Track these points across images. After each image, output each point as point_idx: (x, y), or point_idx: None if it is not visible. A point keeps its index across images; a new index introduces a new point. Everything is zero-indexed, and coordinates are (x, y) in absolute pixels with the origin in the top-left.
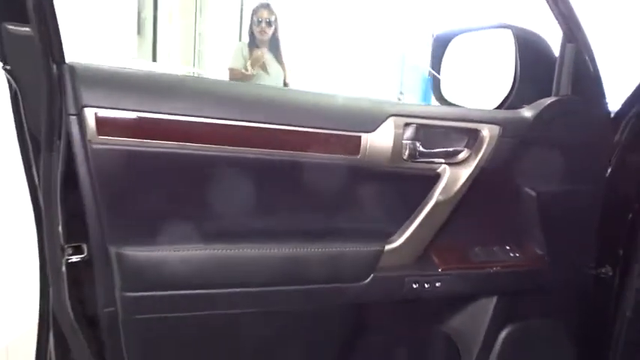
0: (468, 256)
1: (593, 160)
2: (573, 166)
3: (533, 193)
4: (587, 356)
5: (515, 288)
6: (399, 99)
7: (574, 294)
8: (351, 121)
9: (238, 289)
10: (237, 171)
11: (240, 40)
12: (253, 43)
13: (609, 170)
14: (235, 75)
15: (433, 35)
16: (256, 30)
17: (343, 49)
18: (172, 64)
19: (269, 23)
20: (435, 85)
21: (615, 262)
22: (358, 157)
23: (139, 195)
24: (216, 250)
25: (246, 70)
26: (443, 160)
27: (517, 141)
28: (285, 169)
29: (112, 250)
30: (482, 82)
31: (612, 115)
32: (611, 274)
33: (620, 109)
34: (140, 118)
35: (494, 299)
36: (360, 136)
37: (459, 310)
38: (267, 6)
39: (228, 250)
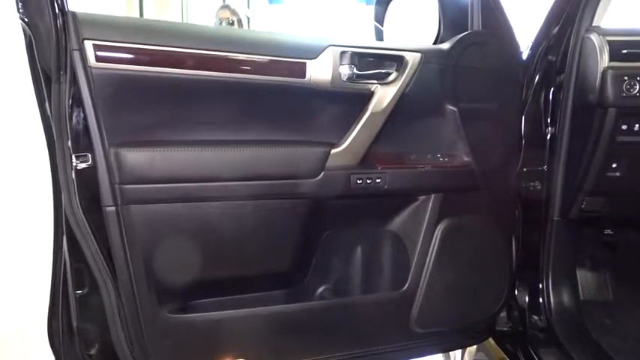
0: (403, 159)
1: (505, 83)
2: (488, 88)
3: (454, 109)
4: (521, 253)
5: (447, 186)
6: None
7: (502, 196)
8: (297, 51)
9: (211, 183)
10: (207, 91)
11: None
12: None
13: (528, 103)
14: None
15: None
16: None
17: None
18: None
19: (231, 24)
20: (378, 35)
21: (542, 177)
22: (304, 79)
23: (131, 109)
24: (192, 151)
25: None
26: (375, 81)
27: (436, 67)
28: (246, 90)
29: (112, 151)
30: (416, 32)
31: (524, 55)
32: (539, 187)
33: (530, 50)
34: (131, 48)
35: (431, 198)
36: (305, 63)
37: (401, 209)
38: (228, 7)
39: (202, 152)
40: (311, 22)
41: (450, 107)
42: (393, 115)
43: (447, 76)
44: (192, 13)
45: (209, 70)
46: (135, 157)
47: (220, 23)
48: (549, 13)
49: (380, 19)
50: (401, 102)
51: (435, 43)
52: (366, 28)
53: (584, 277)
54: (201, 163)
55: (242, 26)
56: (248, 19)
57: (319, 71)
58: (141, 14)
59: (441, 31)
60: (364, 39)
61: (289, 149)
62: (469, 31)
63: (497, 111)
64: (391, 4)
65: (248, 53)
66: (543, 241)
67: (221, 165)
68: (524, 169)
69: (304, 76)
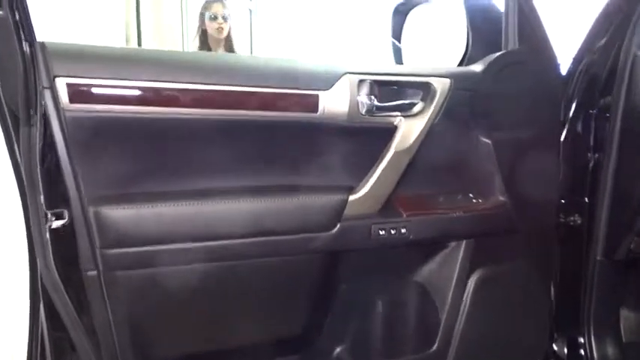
0: (431, 202)
1: (544, 107)
2: (526, 114)
3: (488, 141)
4: (559, 298)
5: (480, 232)
6: None
7: (540, 238)
8: (308, 81)
9: (210, 243)
10: (203, 132)
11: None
12: (205, 45)
13: (567, 125)
14: None
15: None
16: (212, 27)
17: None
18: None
19: (225, 19)
20: (397, 53)
21: (582, 210)
22: (317, 114)
23: (112, 157)
24: (187, 206)
25: None
26: (399, 113)
27: (468, 93)
28: (248, 129)
29: (91, 210)
30: (440, 48)
31: (565, 71)
32: (579, 222)
33: (572, 63)
34: (108, 86)
35: (462, 245)
36: (317, 94)
37: (428, 257)
38: (220, 0)
39: (199, 205)
40: (323, 14)
41: (484, 139)
42: (419, 152)
43: (480, 104)
44: (192, 11)
45: (204, 108)
46: (119, 216)
47: (214, 19)
48: (594, 24)
49: (397, 34)
50: (429, 137)
51: (462, 62)
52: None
53: (626, 317)
54: (197, 220)
55: (232, 22)
56: (250, 12)
57: (334, 104)
58: (137, 14)
59: (470, 48)
60: (385, 63)
61: (300, 198)
62: (505, 51)
63: (536, 139)
64: (409, 17)
65: (250, 86)
66: (584, 284)
67: (220, 221)
68: (562, 201)
69: (316, 110)
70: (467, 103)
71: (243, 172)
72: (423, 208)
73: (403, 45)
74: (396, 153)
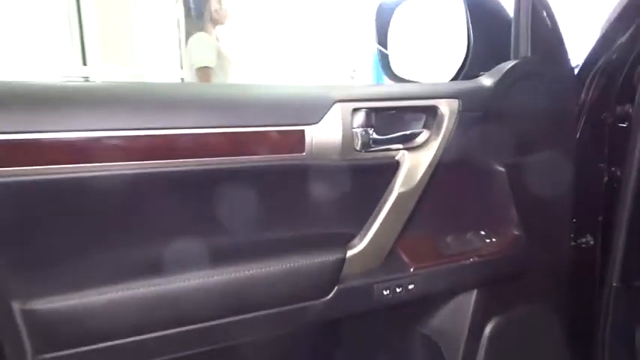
0: (440, 248)
1: (561, 123)
2: (541, 132)
3: (502, 169)
4: (577, 336)
5: (494, 277)
6: (352, 77)
7: (556, 271)
8: (290, 114)
9: (179, 329)
10: (158, 189)
11: (178, 26)
12: (200, 20)
13: (578, 132)
14: (207, 76)
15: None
16: (214, 8)
17: (287, 31)
18: (107, 66)
19: (217, 14)
20: (383, 60)
21: (595, 230)
22: (304, 154)
23: (37, 235)
24: (145, 288)
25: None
26: (401, 146)
27: (479, 114)
28: (218, 179)
29: (17, 307)
30: (435, 52)
31: (575, 73)
32: (592, 243)
33: (583, 66)
34: (24, 141)
35: (474, 292)
36: (303, 130)
37: (437, 309)
38: None
39: (161, 285)
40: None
41: (497, 167)
42: (427, 190)
43: (492, 126)
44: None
45: (158, 158)
46: (54, 310)
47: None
48: (613, 20)
49: (382, 39)
50: (437, 171)
51: (460, 72)
52: None
53: None
54: (158, 305)
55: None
56: None
57: (324, 139)
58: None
59: (469, 57)
60: (378, 85)
61: (288, 262)
62: (517, 60)
63: (552, 162)
64: (395, 16)
65: (219, 127)
66: (598, 313)
67: (190, 301)
68: (573, 220)
69: (303, 149)
70: (477, 127)
71: (215, 234)
72: (432, 256)
73: (390, 51)
74: (401, 195)
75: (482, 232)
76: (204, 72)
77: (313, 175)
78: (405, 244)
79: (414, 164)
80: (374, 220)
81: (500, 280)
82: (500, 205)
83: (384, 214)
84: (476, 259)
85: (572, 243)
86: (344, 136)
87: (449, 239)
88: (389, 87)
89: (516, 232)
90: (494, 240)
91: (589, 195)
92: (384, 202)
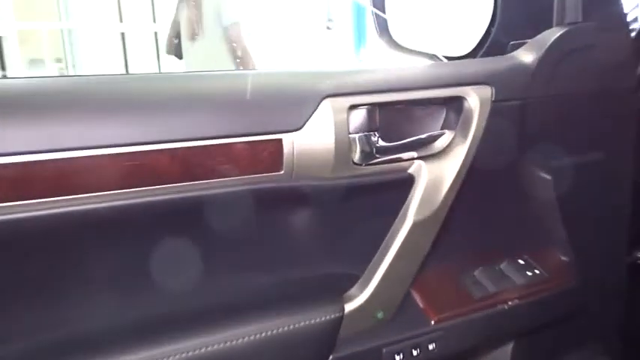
0: (468, 289)
1: (619, 111)
2: (597, 129)
3: (547, 176)
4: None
5: (539, 322)
6: (328, 28)
7: (612, 301)
8: (261, 117)
9: None
10: (76, 233)
11: None
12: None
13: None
14: (240, 34)
15: None
16: None
17: None
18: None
19: None
20: (381, 25)
21: None
22: (281, 172)
23: None
24: None
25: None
26: (415, 154)
27: (518, 103)
28: (160, 216)
29: None
30: (448, 13)
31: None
32: None
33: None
34: None
35: (511, 344)
36: (280, 140)
37: None
38: None
39: None
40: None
41: (541, 175)
42: (452, 213)
43: (535, 119)
44: None
45: (73, 193)
46: None
47: None
48: None
49: (379, 2)
50: (465, 187)
51: (483, 42)
52: None
53: None
54: None
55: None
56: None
57: (309, 151)
58: None
59: (497, 19)
60: (382, 69)
61: (267, 328)
62: (567, 27)
63: (609, 161)
64: None
65: (147, 143)
66: None
67: None
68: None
69: (279, 167)
70: (515, 121)
71: (162, 294)
72: (458, 302)
73: (390, 13)
74: (418, 221)
75: (521, 261)
76: (236, 30)
77: (296, 201)
78: (423, 287)
79: (434, 178)
80: (382, 259)
81: (547, 325)
82: (543, 222)
83: (395, 250)
84: (516, 301)
85: (626, 260)
86: (337, 146)
87: (478, 274)
88: (397, 71)
89: (564, 258)
90: (536, 271)
91: None
92: (395, 233)
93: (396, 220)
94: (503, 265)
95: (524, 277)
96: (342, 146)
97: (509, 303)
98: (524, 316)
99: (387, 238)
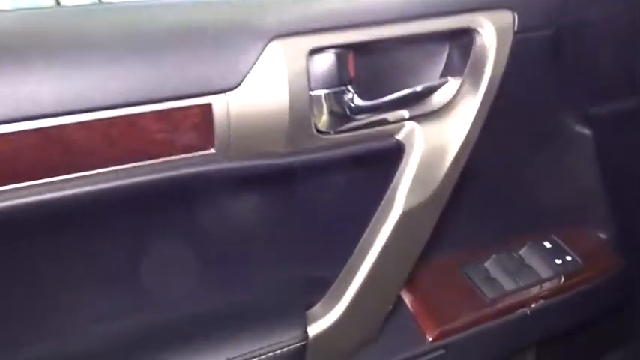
0: (477, 288)
1: None
2: None
3: (586, 132)
4: None
5: (570, 323)
6: None
7: None
8: (179, 73)
9: None
10: None
11: None
12: None
13: None
14: None
15: None
16: None
17: None
18: None
19: None
20: None
21: None
22: (213, 150)
23: None
24: None
25: None
26: (406, 114)
27: (550, 33)
28: (47, 222)
29: None
30: None
31: None
32: None
33: None
34: None
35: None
36: (208, 105)
37: None
38: None
39: None
40: None
41: (578, 129)
42: (460, 191)
43: (571, 55)
44: None
45: None
46: None
47: None
48: None
49: None
50: (475, 154)
51: None
52: None
53: None
54: None
55: None
56: None
57: (252, 119)
58: None
59: None
60: None
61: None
62: None
63: None
64: None
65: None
66: None
67: None
68: None
69: (210, 142)
70: (545, 59)
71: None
72: (466, 307)
73: None
74: (409, 209)
75: (548, 244)
76: None
77: (238, 189)
78: (417, 290)
79: (433, 146)
80: (361, 259)
81: (580, 325)
82: (578, 193)
83: (379, 246)
84: (541, 302)
85: None
86: (293, 107)
87: (490, 265)
88: None
89: (603, 236)
90: (567, 258)
91: None
92: (380, 224)
93: (381, 206)
94: (523, 251)
95: (551, 267)
96: (301, 108)
97: (533, 305)
98: (552, 318)
99: (367, 231)
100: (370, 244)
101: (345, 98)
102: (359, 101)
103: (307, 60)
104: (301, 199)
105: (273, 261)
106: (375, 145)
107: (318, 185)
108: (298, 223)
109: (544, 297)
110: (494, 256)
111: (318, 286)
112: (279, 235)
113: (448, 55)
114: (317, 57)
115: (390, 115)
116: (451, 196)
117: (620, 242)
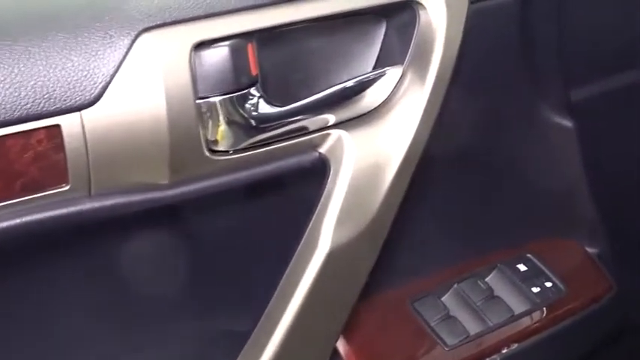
0: (432, 334)
1: None
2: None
3: (566, 122)
4: None
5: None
6: None
7: None
8: (15, 87)
9: None
10: None
11: None
12: None
13: None
14: None
15: None
16: None
17: None
18: None
19: None
20: None
21: None
22: (67, 186)
23: None
24: None
25: None
26: (330, 120)
27: (513, 14)
28: None
29: None
30: None
31: None
32: None
33: None
34: None
35: None
36: (57, 127)
37: None
38: None
39: None
40: None
41: (557, 120)
42: (405, 214)
43: (545, 26)
44: None
45: None
46: None
47: None
48: None
49: None
50: (426, 162)
51: None
52: None
53: None
54: None
55: None
56: None
57: (119, 142)
58: None
59: None
60: None
61: None
62: None
63: None
64: None
65: None
66: None
67: None
68: None
69: (63, 178)
70: (511, 34)
71: None
72: (422, 358)
73: None
74: (339, 243)
75: (522, 266)
76: None
77: (112, 233)
78: (355, 341)
79: (369, 159)
80: (280, 309)
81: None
82: (558, 199)
83: (302, 292)
84: (514, 346)
85: None
86: (173, 123)
87: (448, 300)
88: None
89: (591, 251)
90: (547, 284)
91: None
92: (302, 264)
93: (302, 242)
94: (491, 278)
95: (528, 298)
96: (184, 122)
97: (505, 351)
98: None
99: (286, 274)
100: (291, 291)
101: (248, 105)
102: (266, 107)
103: (192, 57)
104: (201, 239)
105: (173, 318)
106: (291, 163)
107: (221, 219)
108: (200, 268)
109: (519, 339)
110: (454, 286)
111: (233, 343)
112: (178, 286)
113: (384, 39)
114: (205, 52)
115: (309, 123)
116: (403, 224)
117: (612, 256)
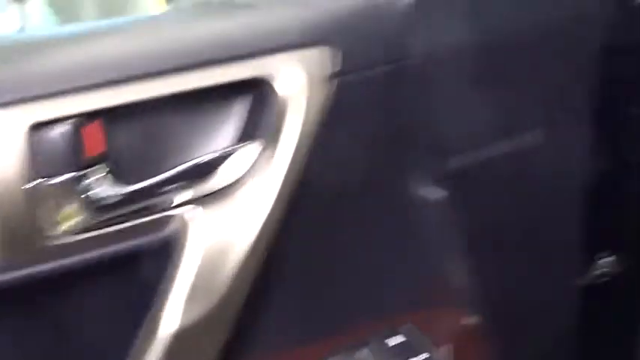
0: None
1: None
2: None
3: (440, 193)
4: None
5: None
6: None
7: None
8: None
9: None
10: None
11: None
12: None
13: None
14: None
15: None
16: None
17: None
18: None
19: None
20: None
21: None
22: None
23: None
24: None
25: None
26: (180, 196)
27: (385, 68)
28: None
29: None
30: None
31: None
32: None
33: None
34: None
35: None
36: None
37: None
38: None
39: None
40: None
41: (426, 192)
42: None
43: (417, 99)
44: None
45: None
46: None
47: None
48: None
49: None
50: (286, 235)
51: None
52: None
53: None
54: None
55: None
56: None
57: None
58: None
59: None
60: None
61: None
62: None
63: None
64: None
65: None
66: None
67: None
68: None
69: None
70: (376, 105)
71: None
72: None
73: None
74: (184, 331)
75: (400, 339)
76: None
77: None
78: None
79: (220, 238)
80: None
81: None
82: (435, 265)
83: None
84: None
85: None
86: (5, 208)
87: None
88: (125, 37)
89: (466, 321)
90: (423, 356)
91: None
92: (141, 354)
93: (141, 331)
94: (363, 353)
95: None
96: (13, 208)
97: None
98: None
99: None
100: None
101: (88, 185)
102: (108, 188)
103: (29, 139)
104: (34, 327)
105: None
106: (131, 245)
107: (56, 306)
108: None
109: None
110: None
111: None
112: None
113: (247, 114)
114: (45, 132)
115: (156, 201)
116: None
117: (495, 324)
